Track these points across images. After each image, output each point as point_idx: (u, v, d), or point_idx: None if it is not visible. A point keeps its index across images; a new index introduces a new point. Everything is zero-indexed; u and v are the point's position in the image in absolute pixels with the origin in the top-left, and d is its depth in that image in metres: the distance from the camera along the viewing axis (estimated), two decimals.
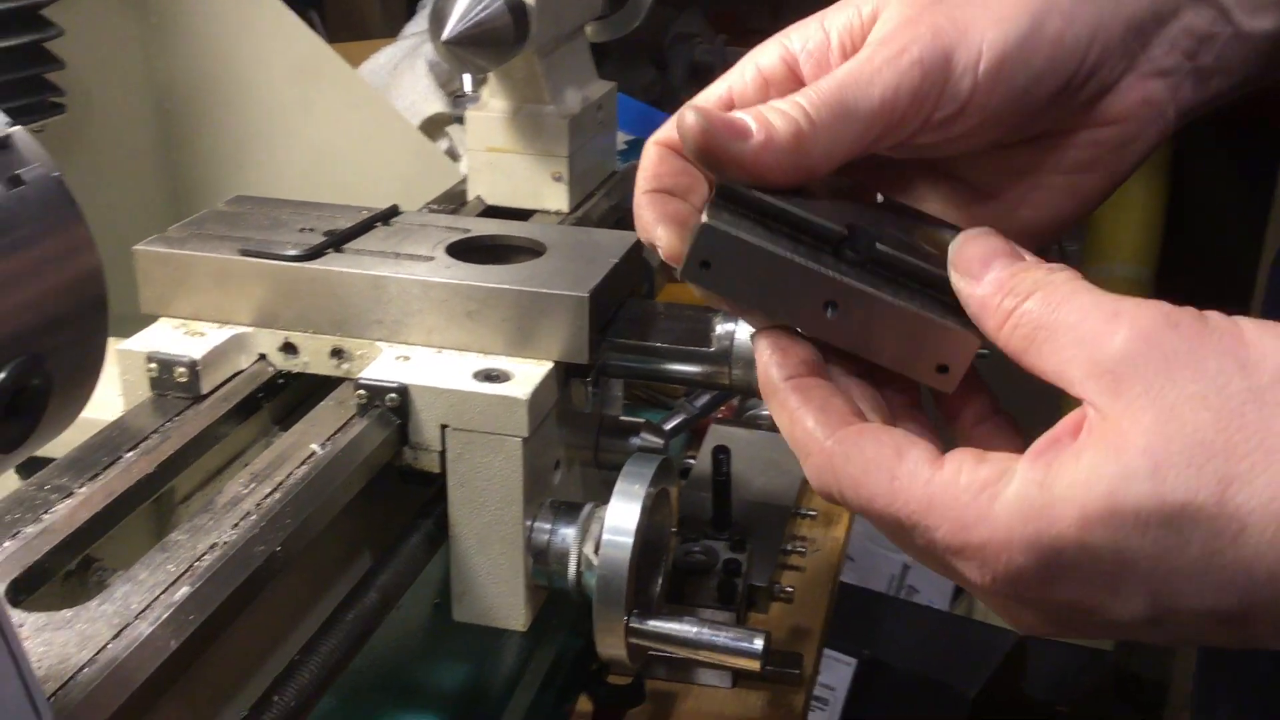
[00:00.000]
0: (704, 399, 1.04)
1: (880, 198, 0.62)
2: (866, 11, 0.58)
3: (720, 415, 1.28)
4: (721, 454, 1.07)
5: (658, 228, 0.57)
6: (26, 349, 0.46)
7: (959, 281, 0.51)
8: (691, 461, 1.21)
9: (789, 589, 1.10)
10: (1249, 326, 0.44)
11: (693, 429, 1.31)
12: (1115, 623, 0.45)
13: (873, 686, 2.08)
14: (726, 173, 0.55)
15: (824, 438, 0.51)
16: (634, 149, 1.46)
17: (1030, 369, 0.48)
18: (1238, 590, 0.42)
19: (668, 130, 0.58)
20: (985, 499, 0.45)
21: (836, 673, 2.15)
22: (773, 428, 1.25)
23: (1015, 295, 0.49)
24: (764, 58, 0.59)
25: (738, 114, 0.54)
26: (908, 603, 2.56)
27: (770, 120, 0.53)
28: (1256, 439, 0.41)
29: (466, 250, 0.85)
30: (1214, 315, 0.45)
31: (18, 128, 0.48)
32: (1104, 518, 0.42)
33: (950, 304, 0.53)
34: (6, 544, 0.65)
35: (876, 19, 0.57)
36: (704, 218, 0.54)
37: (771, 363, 0.54)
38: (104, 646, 0.57)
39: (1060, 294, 0.47)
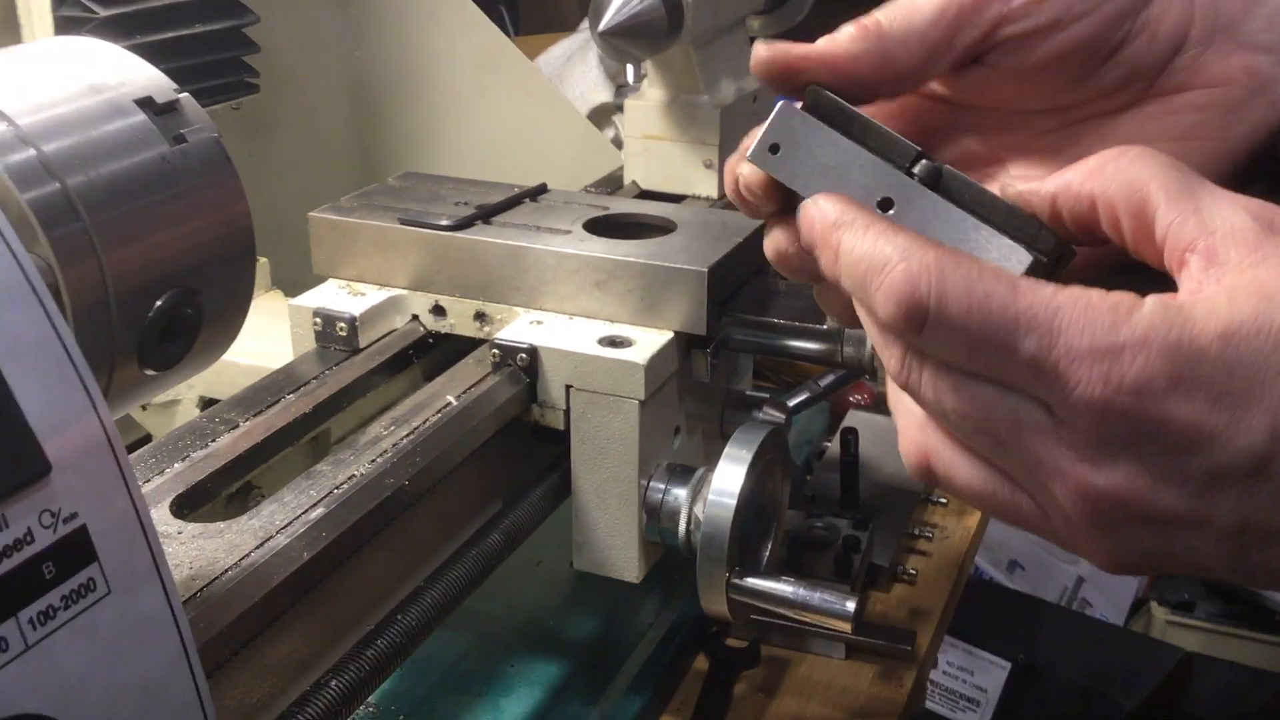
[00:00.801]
0: (829, 379, 1.08)
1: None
2: None
3: (860, 401, 1.31)
4: (849, 435, 1.10)
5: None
6: (182, 282, 0.54)
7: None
8: (828, 445, 1.24)
9: (912, 571, 1.12)
10: None
11: (833, 415, 1.34)
12: (1226, 455, 0.43)
13: (1028, 692, 2.06)
14: (800, 79, 0.56)
15: (930, 244, 0.47)
16: None
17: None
18: None
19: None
20: (1124, 309, 0.44)
21: (990, 675, 2.13)
22: None
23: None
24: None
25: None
26: (1074, 612, 2.51)
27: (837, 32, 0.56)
28: None
29: (602, 226, 0.92)
30: None
31: (185, 94, 0.56)
32: (1248, 333, 0.43)
33: (1005, 227, 0.52)
34: (177, 465, 0.75)
35: None
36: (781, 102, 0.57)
37: (832, 204, 0.51)
38: (247, 554, 0.66)
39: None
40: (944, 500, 1.23)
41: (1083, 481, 0.45)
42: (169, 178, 0.54)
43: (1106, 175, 0.49)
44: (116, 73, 0.56)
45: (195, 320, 0.56)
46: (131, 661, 0.45)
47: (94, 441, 0.44)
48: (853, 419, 1.26)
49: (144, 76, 0.57)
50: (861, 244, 0.48)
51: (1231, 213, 0.46)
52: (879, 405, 1.30)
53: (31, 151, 0.50)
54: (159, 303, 0.53)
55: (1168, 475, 0.44)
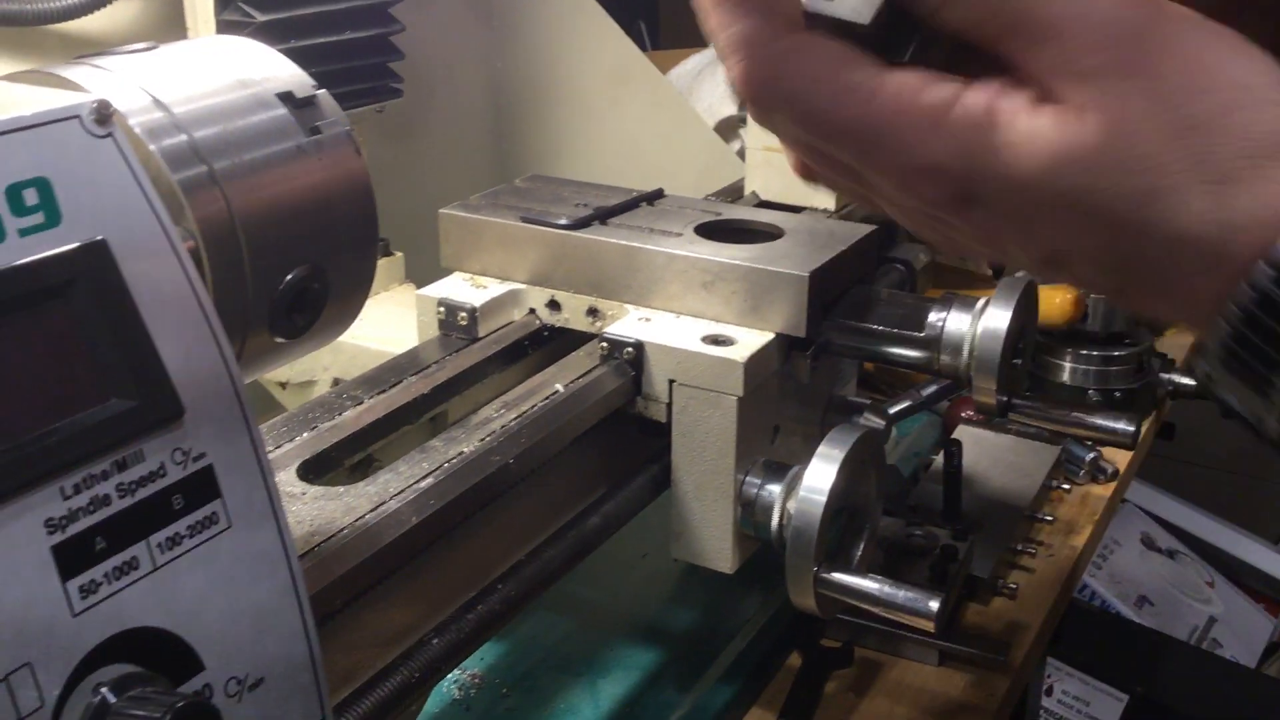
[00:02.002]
0: (932, 389, 1.09)
1: None
2: None
3: (971, 417, 1.31)
4: (953, 447, 1.12)
5: None
6: (311, 259, 0.60)
7: None
8: (936, 458, 1.26)
9: (1012, 586, 1.13)
10: (1210, 38, 0.44)
11: (945, 429, 1.35)
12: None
13: None
14: None
15: (772, 35, 0.47)
16: None
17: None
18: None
19: None
20: (938, 106, 0.46)
21: (1107, 707, 2.10)
22: (1020, 432, 1.28)
23: None
24: None
25: None
26: (1203, 651, 2.45)
27: None
28: (1199, 153, 0.42)
29: (713, 230, 0.95)
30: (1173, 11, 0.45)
31: (322, 91, 0.62)
32: (1040, 178, 0.45)
33: None
34: (305, 434, 0.81)
35: None
36: None
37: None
38: (361, 516, 0.71)
39: None
40: (1051, 518, 1.23)
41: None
42: (303, 165, 0.60)
43: None
44: (262, 69, 0.62)
45: (321, 295, 0.62)
46: (246, 590, 0.50)
47: (224, 393, 0.49)
48: (961, 433, 1.28)
49: (286, 73, 0.63)
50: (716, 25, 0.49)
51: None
52: (988, 421, 1.30)
53: (183, 137, 0.56)
54: (289, 277, 0.59)
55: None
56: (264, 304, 0.59)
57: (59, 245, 0.45)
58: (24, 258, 0.44)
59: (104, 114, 0.48)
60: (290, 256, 0.59)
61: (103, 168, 0.47)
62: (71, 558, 0.44)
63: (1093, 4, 0.44)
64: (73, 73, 0.57)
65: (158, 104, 0.57)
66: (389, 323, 1.09)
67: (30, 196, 0.45)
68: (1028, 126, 0.45)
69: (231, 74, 0.61)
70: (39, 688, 0.43)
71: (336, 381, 1.05)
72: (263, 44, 0.64)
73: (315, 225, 0.61)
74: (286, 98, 0.61)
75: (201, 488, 0.48)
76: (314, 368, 1.11)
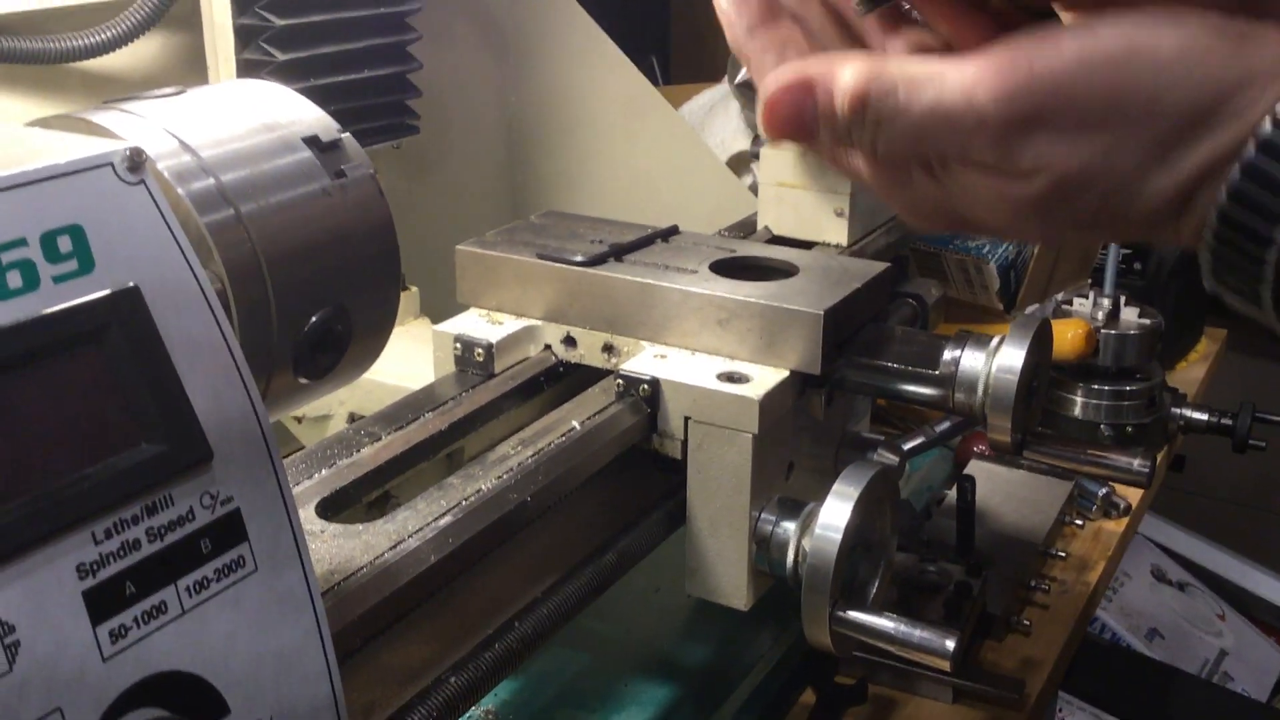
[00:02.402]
0: (945, 425, 1.10)
1: None
2: None
3: (983, 452, 1.32)
4: (966, 482, 1.12)
5: None
6: (335, 301, 0.61)
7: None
8: (948, 493, 1.26)
9: (1026, 622, 1.13)
10: None
11: (956, 465, 1.35)
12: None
13: None
14: None
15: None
16: None
17: None
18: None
19: None
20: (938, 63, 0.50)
21: None
22: (1032, 468, 1.28)
23: None
24: None
25: None
26: (1213, 685, 2.44)
27: None
28: None
29: (728, 268, 0.96)
30: None
31: (346, 135, 0.63)
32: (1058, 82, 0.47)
33: None
34: (324, 471, 0.81)
35: None
36: None
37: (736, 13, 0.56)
38: (381, 554, 0.72)
39: None
40: (1064, 555, 1.23)
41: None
42: (329, 208, 0.61)
43: None
44: (288, 113, 0.63)
45: (345, 336, 0.62)
46: (272, 633, 0.50)
47: (251, 436, 0.50)
48: (974, 469, 1.28)
49: (311, 117, 0.64)
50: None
51: None
52: (1001, 456, 1.31)
53: (211, 180, 0.57)
54: (314, 318, 0.60)
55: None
56: (288, 345, 0.59)
57: (92, 292, 0.46)
58: (58, 304, 0.45)
59: (136, 161, 0.48)
60: (315, 298, 0.60)
61: (135, 214, 0.48)
62: (102, 602, 0.44)
63: None
64: (102, 117, 0.58)
65: (185, 147, 0.58)
66: (404, 357, 1.09)
67: (64, 244, 0.46)
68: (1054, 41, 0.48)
69: (257, 118, 0.62)
70: None
71: (352, 416, 1.06)
72: (287, 88, 0.65)
73: (339, 267, 0.61)
74: (312, 141, 0.61)
75: (229, 531, 0.49)
76: (330, 402, 1.12)
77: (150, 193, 0.49)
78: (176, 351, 0.48)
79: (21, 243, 0.44)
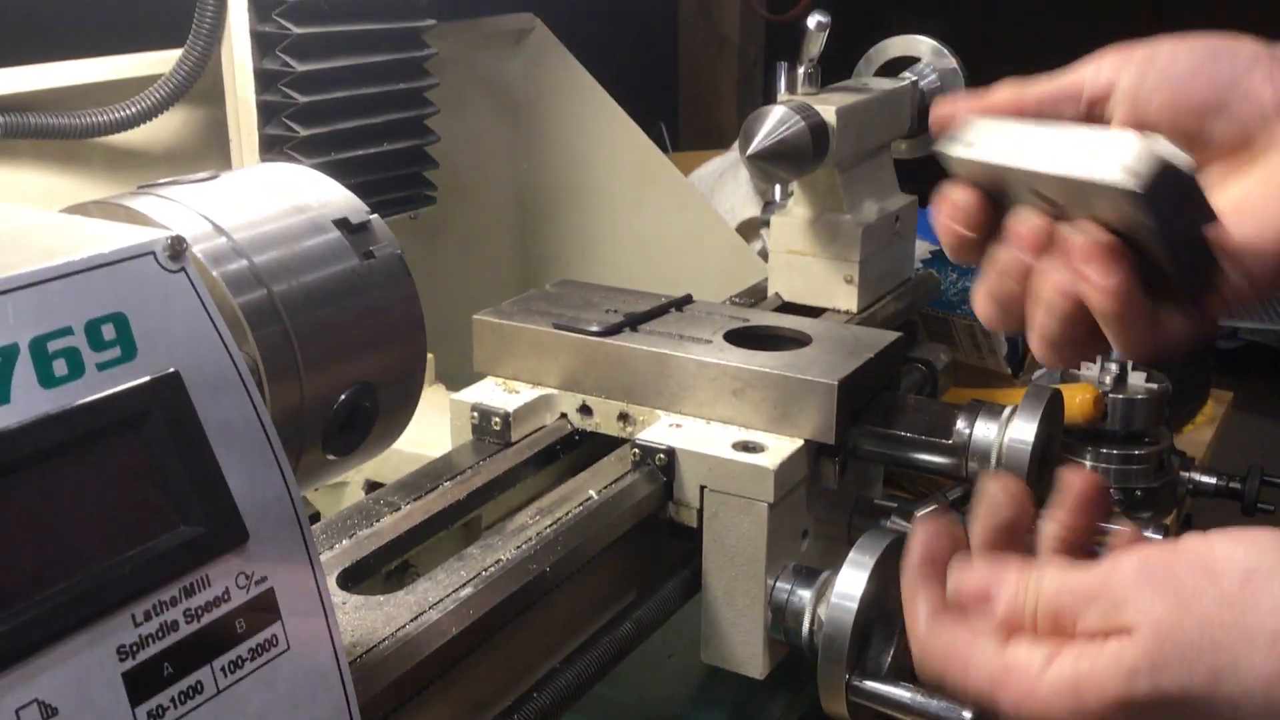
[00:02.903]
0: (956, 493, 1.10)
1: None
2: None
3: None
4: None
5: None
6: (363, 379, 0.62)
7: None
8: None
9: None
10: (1216, 539, 0.54)
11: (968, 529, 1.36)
12: None
13: None
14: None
15: (922, 627, 0.62)
16: (937, 259, 1.54)
17: None
18: None
19: None
20: (1034, 678, 0.56)
21: None
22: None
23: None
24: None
25: None
26: None
27: None
28: (1235, 634, 0.50)
29: (742, 337, 0.97)
30: (1186, 537, 0.55)
31: (374, 216, 0.64)
32: (1121, 706, 0.53)
33: None
34: (344, 542, 0.82)
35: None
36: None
37: (915, 547, 0.64)
38: (402, 626, 0.72)
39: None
40: None
41: None
42: (358, 288, 0.62)
43: None
44: (318, 195, 0.65)
45: (372, 413, 0.63)
46: (303, 710, 0.51)
47: (285, 516, 0.51)
48: None
49: (340, 199, 0.65)
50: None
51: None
52: None
53: (244, 262, 0.58)
54: (343, 396, 0.61)
55: None
56: (318, 422, 0.60)
57: (134, 378, 0.47)
58: (102, 391, 0.46)
59: (178, 250, 0.50)
60: (343, 375, 0.61)
61: (175, 301, 0.49)
62: (141, 684, 0.45)
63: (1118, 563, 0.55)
64: (139, 203, 0.59)
65: (219, 230, 0.59)
66: (420, 424, 1.10)
67: (108, 331, 0.47)
68: (1096, 662, 0.54)
69: (288, 200, 0.63)
70: None
71: (369, 483, 1.07)
72: (317, 171, 0.67)
73: (368, 345, 0.63)
74: (341, 223, 0.63)
75: (263, 610, 0.50)
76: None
77: (190, 279, 0.50)
78: (214, 434, 0.49)
79: (68, 331, 0.46)
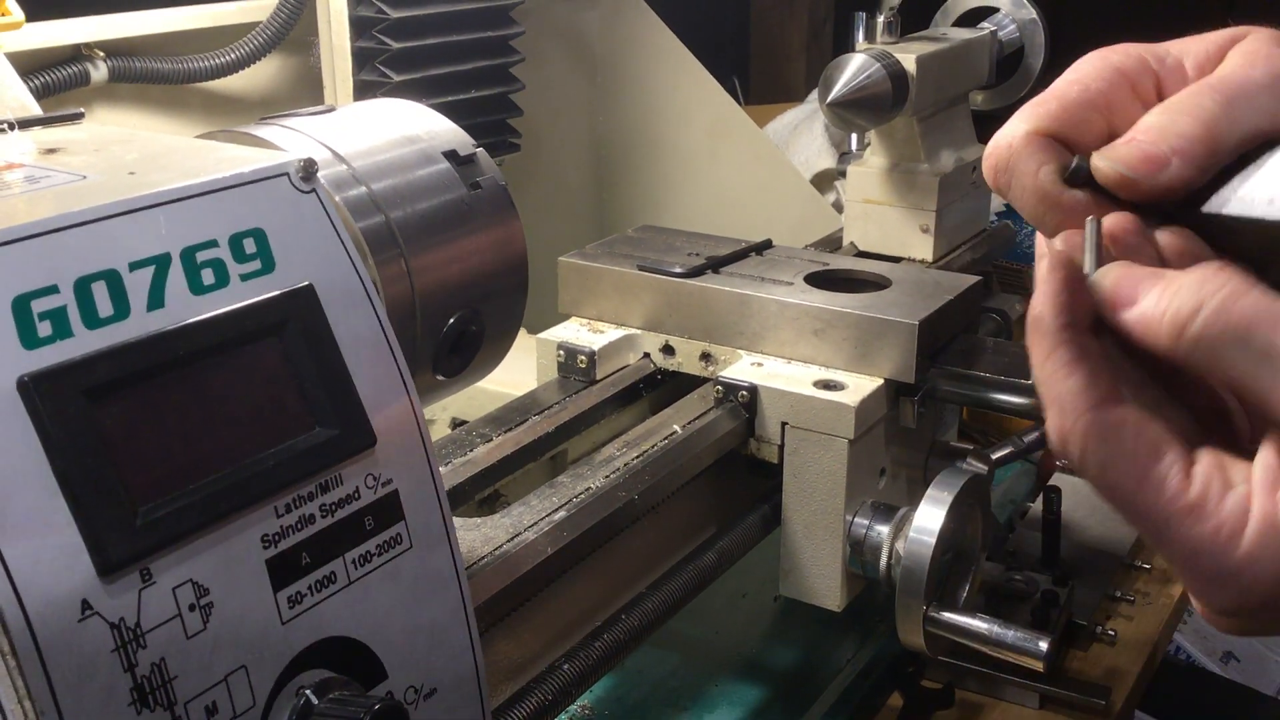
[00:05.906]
0: (1032, 435, 1.11)
1: None
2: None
3: (1066, 465, 1.33)
4: (1052, 493, 1.14)
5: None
6: (470, 304, 0.65)
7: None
8: (1031, 505, 1.28)
9: (1111, 632, 1.15)
10: None
11: (1039, 479, 1.37)
12: None
13: None
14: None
15: (1086, 406, 0.49)
16: (1011, 212, 1.54)
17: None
18: None
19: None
20: (1225, 538, 0.47)
21: None
22: None
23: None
24: (1116, 57, 0.56)
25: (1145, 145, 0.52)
26: None
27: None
28: None
29: (822, 280, 0.99)
30: None
31: (480, 149, 0.67)
32: None
33: None
34: (440, 468, 0.85)
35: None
36: None
37: (1053, 301, 0.50)
38: (500, 545, 0.76)
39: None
40: (1148, 566, 1.24)
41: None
42: (466, 216, 0.65)
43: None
44: (426, 127, 0.68)
45: (478, 337, 0.66)
46: (424, 606, 0.55)
47: (409, 425, 0.54)
48: (1058, 480, 1.29)
49: (447, 131, 0.68)
50: (1045, 368, 0.51)
51: None
52: None
53: (363, 189, 0.61)
54: (451, 320, 0.64)
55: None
56: (430, 344, 0.63)
57: (274, 289, 0.50)
58: (246, 300, 0.49)
59: (309, 171, 0.53)
60: (453, 300, 0.64)
61: (308, 219, 0.52)
62: (282, 571, 0.49)
63: None
64: (264, 131, 0.62)
65: (338, 158, 0.62)
66: (504, 364, 1.14)
67: (249, 245, 0.50)
68: None
69: (400, 131, 0.66)
70: (252, 688, 0.47)
71: (455, 420, 1.10)
72: (424, 105, 0.69)
73: (475, 272, 0.66)
74: (450, 155, 0.66)
75: (389, 510, 0.53)
76: (434, 406, 1.16)
77: (320, 200, 0.53)
78: (345, 345, 0.52)
79: (213, 243, 0.49)
